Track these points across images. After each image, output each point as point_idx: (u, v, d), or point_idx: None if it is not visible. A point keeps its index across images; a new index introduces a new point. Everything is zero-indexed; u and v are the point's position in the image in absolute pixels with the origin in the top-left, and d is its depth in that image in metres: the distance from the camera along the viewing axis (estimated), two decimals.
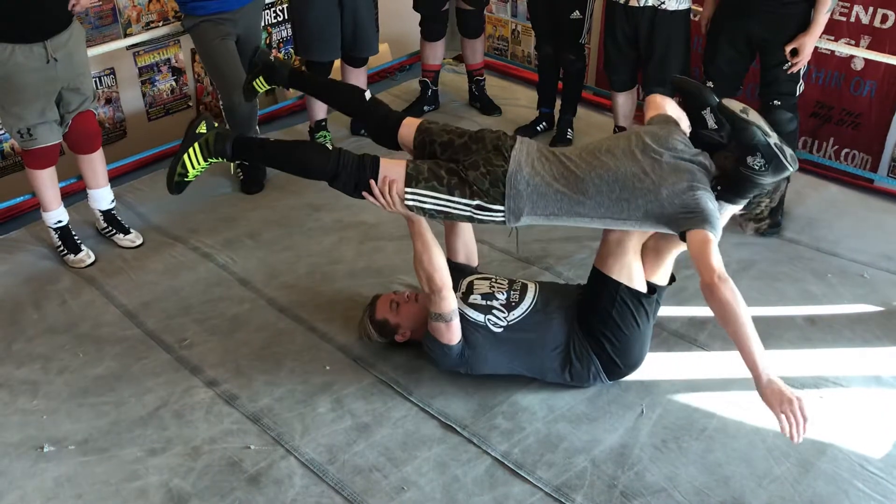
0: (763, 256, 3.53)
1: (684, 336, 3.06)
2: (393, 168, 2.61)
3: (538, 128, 4.57)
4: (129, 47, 4.40)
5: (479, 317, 2.71)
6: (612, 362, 2.70)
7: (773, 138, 2.44)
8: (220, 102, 3.96)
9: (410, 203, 2.60)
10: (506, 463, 2.55)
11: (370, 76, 4.65)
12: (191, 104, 4.85)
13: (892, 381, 2.86)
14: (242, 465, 2.55)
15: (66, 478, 2.52)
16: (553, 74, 4.49)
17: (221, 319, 3.19)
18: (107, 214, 3.69)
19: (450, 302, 2.64)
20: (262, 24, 4.60)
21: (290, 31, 4.93)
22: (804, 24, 3.39)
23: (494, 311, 2.71)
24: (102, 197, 3.66)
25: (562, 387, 2.80)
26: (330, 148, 2.71)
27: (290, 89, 3.57)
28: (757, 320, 3.06)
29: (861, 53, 4.00)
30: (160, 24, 4.48)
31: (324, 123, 4.37)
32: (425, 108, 4.82)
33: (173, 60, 4.68)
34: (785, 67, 3.47)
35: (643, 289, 2.66)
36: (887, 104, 4.09)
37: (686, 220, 2.41)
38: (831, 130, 4.32)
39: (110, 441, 2.65)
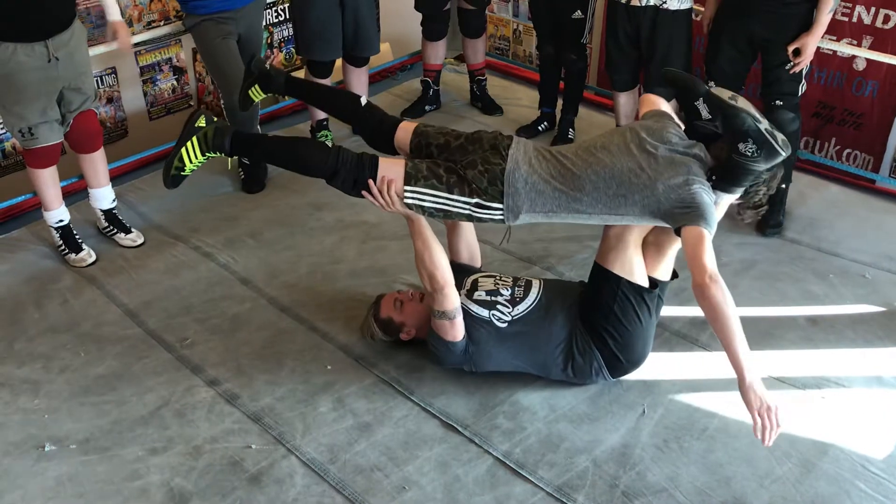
0: (764, 257, 3.53)
1: (686, 336, 3.06)
2: (392, 167, 2.61)
3: (539, 128, 4.57)
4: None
5: (483, 312, 2.71)
6: (614, 357, 2.70)
7: (764, 124, 2.45)
8: (222, 101, 3.96)
9: (410, 201, 2.60)
10: (507, 463, 2.55)
11: (371, 76, 4.65)
12: (192, 103, 4.84)
13: (893, 382, 2.86)
14: (244, 465, 2.55)
15: (67, 477, 2.52)
16: (555, 74, 4.49)
17: (222, 319, 3.19)
18: (108, 214, 3.69)
19: (452, 300, 2.64)
20: (264, 23, 4.60)
21: (291, 30, 4.94)
22: (806, 24, 3.39)
23: (499, 307, 2.71)
24: (104, 196, 3.66)
25: (563, 387, 2.80)
26: (329, 146, 2.71)
27: (286, 97, 3.57)
28: (758, 320, 3.10)
29: (863, 54, 3.99)
30: (161, 23, 4.48)
31: (325, 123, 4.37)
32: (427, 107, 4.82)
33: (175, 60, 4.67)
34: (787, 67, 3.46)
35: (644, 283, 2.67)
36: (889, 104, 4.09)
37: (682, 216, 2.42)
38: (833, 131, 4.31)
39: (112, 440, 2.65)
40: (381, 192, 2.59)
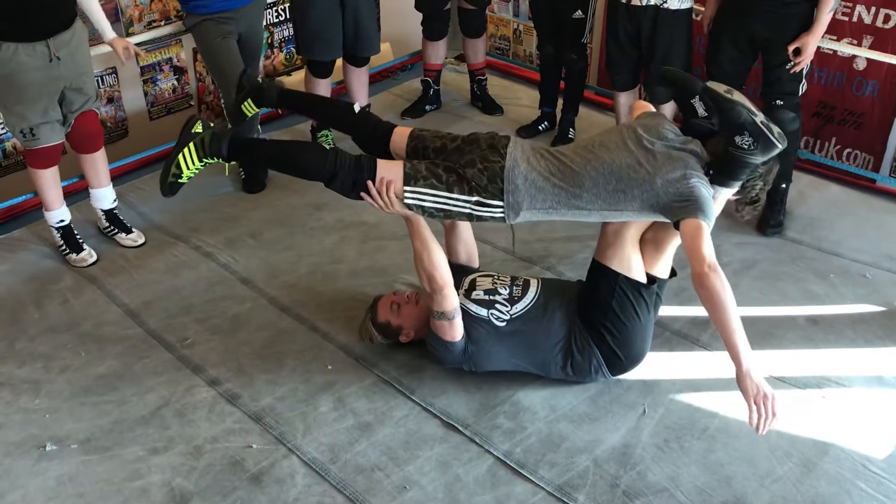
0: (765, 256, 3.53)
1: (686, 336, 3.06)
2: (390, 168, 2.61)
3: (540, 127, 4.57)
4: None
5: (482, 311, 2.71)
6: (613, 354, 2.71)
7: (760, 117, 2.48)
8: (222, 101, 3.96)
9: (410, 202, 2.61)
10: (508, 462, 2.55)
11: (372, 75, 4.65)
12: (192, 103, 4.85)
13: (894, 382, 2.86)
14: (244, 465, 2.55)
15: (68, 477, 2.52)
16: (555, 74, 4.49)
17: (223, 319, 3.19)
18: (109, 214, 3.69)
19: (452, 300, 2.64)
20: (264, 23, 4.60)
21: (291, 30, 4.94)
22: (807, 24, 3.39)
23: (497, 306, 2.72)
24: (104, 196, 3.66)
25: (564, 386, 2.80)
26: (327, 148, 2.71)
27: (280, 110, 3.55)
28: (759, 320, 3.10)
29: (863, 53, 3.99)
30: (162, 23, 4.48)
31: None
32: (427, 107, 4.82)
33: (175, 60, 4.68)
34: (787, 67, 3.46)
35: (642, 279, 2.68)
36: (889, 104, 4.09)
37: (680, 209, 2.44)
38: (833, 130, 4.31)
39: (112, 440, 2.65)
40: (380, 193, 2.60)
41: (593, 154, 2.55)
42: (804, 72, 3.51)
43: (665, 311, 3.01)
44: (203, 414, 2.74)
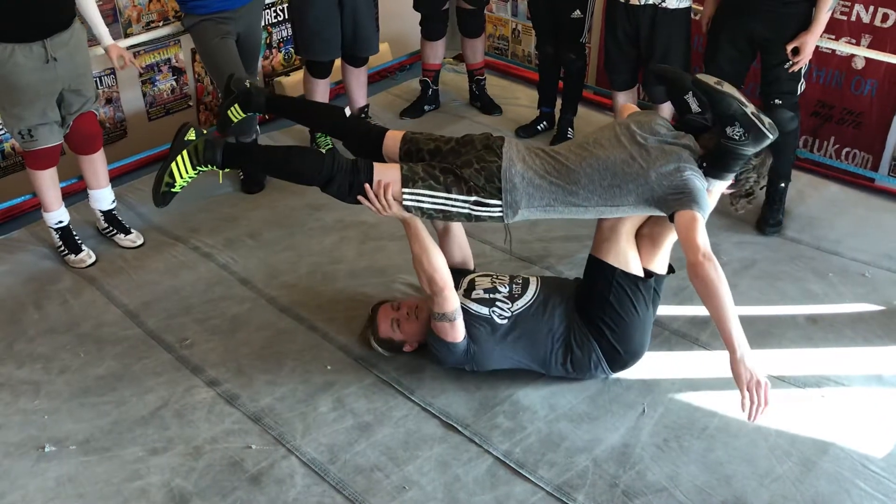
0: (764, 256, 3.53)
1: (686, 335, 3.06)
2: (387, 171, 2.61)
3: (539, 127, 4.57)
4: (129, 47, 4.39)
5: (483, 310, 2.71)
6: (612, 349, 2.71)
7: (750, 108, 2.51)
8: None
9: (409, 203, 2.61)
10: (507, 462, 2.55)
11: (370, 76, 4.65)
12: (191, 104, 4.85)
13: (893, 381, 2.86)
14: (244, 465, 2.55)
15: (67, 478, 2.52)
16: (554, 74, 4.49)
17: (222, 319, 3.19)
18: (107, 214, 3.69)
19: (452, 301, 2.65)
20: (263, 23, 4.60)
21: (290, 30, 4.93)
22: (805, 23, 3.39)
23: (498, 304, 2.72)
24: (103, 197, 3.65)
25: (563, 386, 2.80)
26: (323, 152, 2.70)
27: (268, 115, 3.52)
28: (758, 319, 3.10)
29: (862, 52, 3.99)
30: (160, 23, 4.48)
31: None
32: (426, 107, 4.82)
33: (174, 60, 4.67)
34: (786, 66, 3.46)
35: (639, 273, 2.69)
36: (888, 103, 4.09)
37: (675, 201, 2.46)
38: (832, 129, 4.32)
39: (111, 441, 2.65)
40: (377, 196, 2.59)
41: (588, 151, 2.57)
42: (803, 71, 3.51)
43: (664, 310, 3.01)
44: (202, 414, 2.74)
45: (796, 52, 3.42)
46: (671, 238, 2.71)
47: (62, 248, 3.55)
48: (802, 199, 3.92)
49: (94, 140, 3.52)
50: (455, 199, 2.59)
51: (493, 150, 2.60)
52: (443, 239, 2.95)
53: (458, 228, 2.95)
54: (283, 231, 3.75)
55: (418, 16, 4.65)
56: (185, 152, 2.65)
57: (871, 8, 3.98)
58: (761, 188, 2.79)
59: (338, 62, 4.22)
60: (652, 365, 2.86)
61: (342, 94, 4.60)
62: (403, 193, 2.59)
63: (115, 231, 3.68)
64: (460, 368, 2.80)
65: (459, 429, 2.67)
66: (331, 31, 4.01)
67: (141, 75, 4.55)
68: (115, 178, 3.94)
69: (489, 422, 2.69)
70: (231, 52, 3.72)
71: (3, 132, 4.08)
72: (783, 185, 3.68)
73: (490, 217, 2.62)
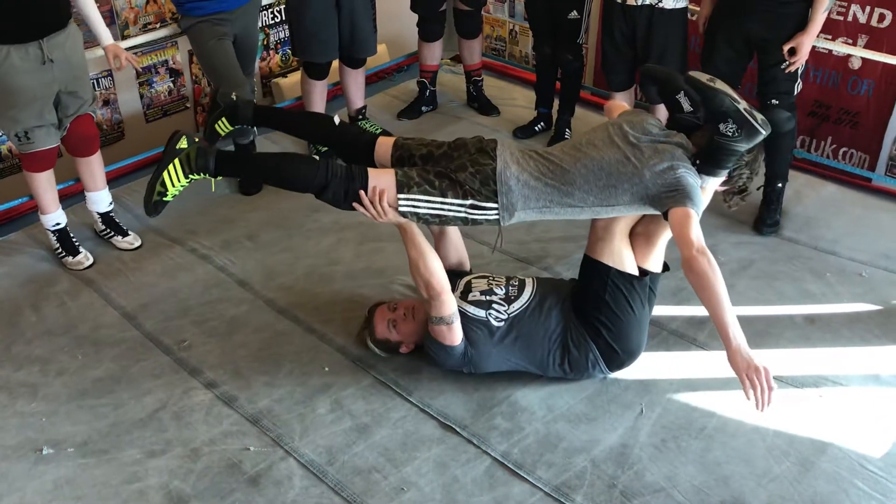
0: (762, 256, 3.53)
1: (683, 335, 3.06)
2: (382, 177, 2.61)
3: (536, 128, 4.57)
4: (126, 49, 4.39)
5: (480, 313, 2.71)
6: (609, 348, 2.71)
7: (743, 104, 2.53)
8: None
9: (405, 209, 2.61)
10: (505, 463, 2.55)
11: (368, 77, 4.64)
12: (188, 105, 4.84)
13: (891, 380, 2.86)
14: (242, 467, 2.55)
15: (65, 480, 2.52)
16: (551, 74, 4.49)
17: (220, 321, 3.19)
18: (105, 216, 3.68)
19: (449, 305, 2.65)
20: (260, 24, 4.60)
21: (287, 31, 4.93)
22: (802, 24, 3.39)
23: (495, 306, 2.72)
24: (101, 199, 3.65)
25: (561, 387, 2.80)
26: (317, 159, 2.70)
27: (256, 127, 3.51)
28: (756, 319, 3.10)
29: (858, 52, 4.00)
30: (157, 25, 4.48)
31: None
32: (423, 108, 4.82)
33: (171, 62, 4.67)
34: (783, 66, 3.47)
35: (634, 272, 2.70)
36: (885, 103, 4.10)
37: (669, 199, 2.48)
38: (829, 129, 4.32)
39: (109, 443, 2.65)
40: (372, 202, 2.59)
41: (582, 152, 2.58)
42: (799, 71, 3.51)
43: (662, 310, 3.01)
44: (200, 416, 2.74)
45: (793, 52, 3.42)
46: (665, 236, 2.72)
47: (59, 250, 3.55)
48: (799, 199, 3.92)
49: (92, 142, 3.52)
50: (451, 204, 2.59)
51: (486, 152, 2.60)
52: (438, 241, 2.95)
53: (453, 230, 2.95)
54: (280, 233, 3.75)
55: (416, 17, 4.65)
56: (177, 160, 2.63)
57: (868, 8, 3.98)
58: (757, 188, 2.80)
59: (335, 63, 4.22)
60: (650, 365, 2.86)
61: (340, 95, 4.60)
62: (399, 199, 2.59)
63: (113, 233, 3.68)
64: (458, 370, 2.80)
65: (457, 430, 2.67)
66: (328, 33, 4.01)
67: (138, 77, 4.55)
68: (113, 180, 3.94)
69: (487, 423, 2.69)
70: (228, 54, 3.72)
71: None
72: (780, 185, 3.69)
73: (486, 220, 2.62)
